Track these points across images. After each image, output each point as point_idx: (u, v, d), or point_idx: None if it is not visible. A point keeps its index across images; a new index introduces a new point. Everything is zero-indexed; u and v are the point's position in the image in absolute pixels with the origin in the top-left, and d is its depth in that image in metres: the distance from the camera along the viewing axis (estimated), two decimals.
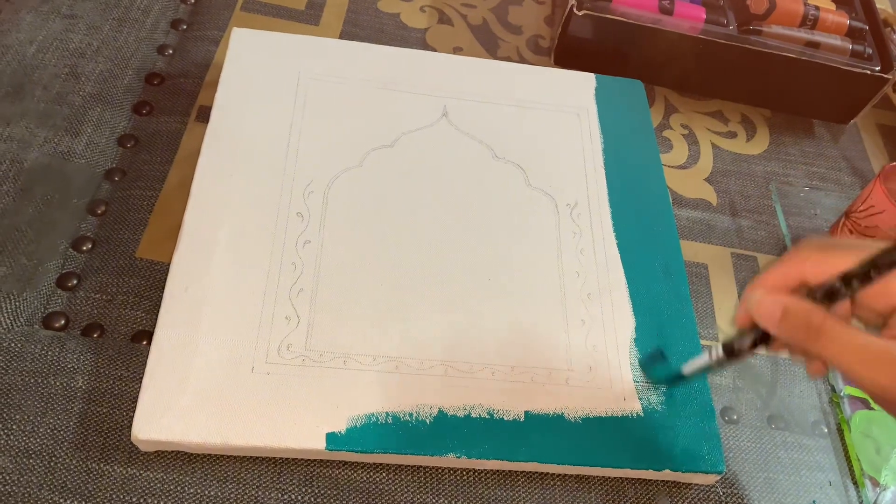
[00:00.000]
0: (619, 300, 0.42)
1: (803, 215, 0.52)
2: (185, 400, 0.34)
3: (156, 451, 0.35)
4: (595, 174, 0.47)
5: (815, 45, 0.55)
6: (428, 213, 0.43)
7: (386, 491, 0.36)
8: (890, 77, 0.54)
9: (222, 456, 0.35)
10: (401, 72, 0.49)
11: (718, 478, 0.39)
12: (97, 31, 0.50)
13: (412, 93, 0.48)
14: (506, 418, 0.37)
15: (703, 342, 0.37)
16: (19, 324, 0.38)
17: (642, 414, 0.38)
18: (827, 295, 0.28)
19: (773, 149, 0.56)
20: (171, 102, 0.48)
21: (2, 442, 0.34)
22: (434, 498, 0.36)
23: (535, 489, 0.37)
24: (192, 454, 0.35)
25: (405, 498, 0.36)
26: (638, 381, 0.39)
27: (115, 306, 0.39)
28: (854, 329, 0.28)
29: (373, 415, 0.36)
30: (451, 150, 0.46)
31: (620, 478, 0.38)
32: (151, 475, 0.34)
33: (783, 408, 0.43)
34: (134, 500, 0.34)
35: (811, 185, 0.55)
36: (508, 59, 0.57)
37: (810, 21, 0.56)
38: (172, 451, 0.35)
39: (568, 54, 0.56)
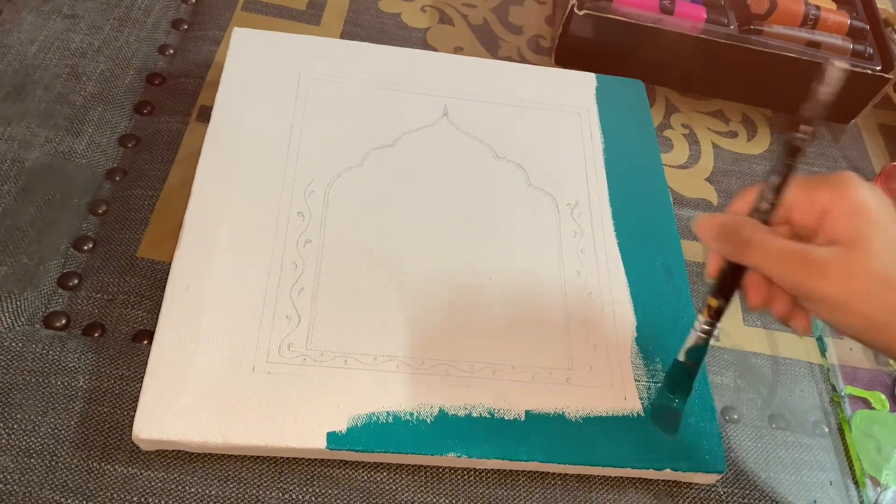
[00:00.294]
0: (619, 299, 0.42)
1: None
2: (186, 399, 0.35)
3: (157, 451, 0.35)
4: (596, 174, 0.47)
5: (815, 44, 0.55)
6: (429, 212, 0.43)
7: (386, 490, 0.36)
8: (891, 77, 0.54)
9: (223, 455, 0.35)
10: (401, 71, 0.49)
11: (719, 477, 0.39)
12: (98, 31, 0.50)
13: (413, 92, 0.48)
14: (506, 417, 0.37)
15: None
16: (20, 323, 0.38)
17: (643, 413, 0.38)
18: (757, 201, 0.31)
19: (774, 149, 0.56)
20: (172, 102, 0.48)
21: (3, 441, 0.34)
22: (434, 497, 0.36)
23: (536, 488, 0.37)
24: (193, 453, 0.35)
25: (406, 497, 0.36)
26: (639, 381, 0.39)
27: (116, 306, 0.39)
28: (776, 237, 0.30)
29: (373, 414, 0.36)
30: (452, 150, 0.46)
31: (621, 477, 0.38)
32: (152, 474, 0.34)
33: (784, 407, 0.43)
34: (135, 499, 0.34)
35: None
36: (509, 58, 0.57)
37: (811, 21, 0.56)
38: (173, 451, 0.35)
39: (569, 54, 0.56)
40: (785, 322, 0.33)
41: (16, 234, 0.40)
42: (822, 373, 0.45)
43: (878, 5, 0.59)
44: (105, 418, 0.36)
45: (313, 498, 0.35)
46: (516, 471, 0.38)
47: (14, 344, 0.37)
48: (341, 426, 0.35)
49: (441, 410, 0.37)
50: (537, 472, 0.38)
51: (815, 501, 0.40)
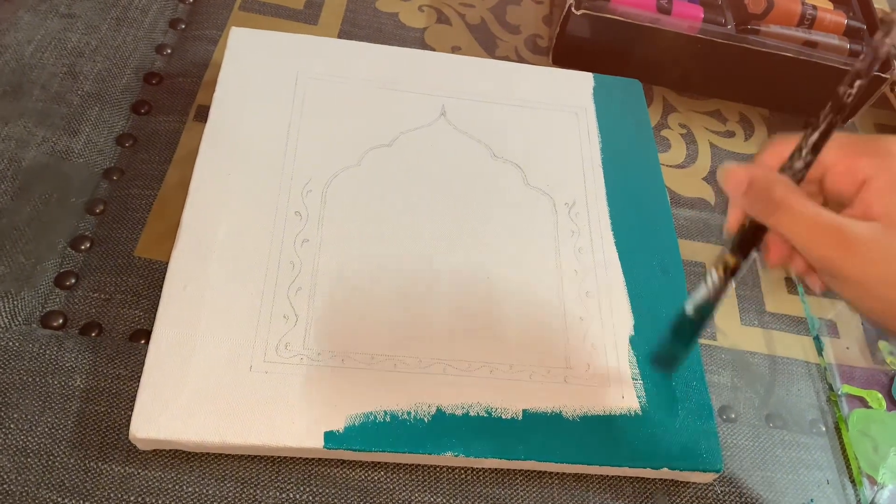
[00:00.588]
0: (617, 299, 0.42)
1: None
2: (184, 399, 0.34)
3: (154, 450, 0.35)
4: (593, 173, 0.47)
5: (812, 44, 0.55)
6: (426, 212, 0.43)
7: (384, 489, 0.36)
8: (887, 77, 0.54)
9: (220, 455, 0.35)
10: (399, 71, 0.49)
11: (716, 476, 0.39)
12: (95, 31, 0.50)
13: (411, 92, 0.48)
14: (504, 416, 0.37)
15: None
16: (17, 323, 0.38)
17: (640, 412, 0.38)
18: (791, 158, 0.28)
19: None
20: (170, 102, 0.48)
21: (0, 441, 0.34)
22: (432, 496, 0.36)
23: (534, 487, 0.37)
24: (190, 453, 0.35)
25: (403, 496, 0.36)
26: (636, 380, 0.40)
27: (114, 305, 0.39)
28: (810, 203, 0.28)
29: (371, 413, 0.36)
30: (450, 150, 0.46)
31: (618, 476, 0.38)
32: (149, 474, 0.34)
33: (781, 406, 0.44)
34: (132, 498, 0.34)
35: None
36: (507, 58, 0.57)
37: (808, 20, 0.56)
38: (171, 450, 0.35)
39: (566, 54, 0.56)
40: (801, 280, 0.31)
41: (13, 234, 0.40)
42: (819, 372, 0.46)
43: (875, 5, 0.59)
44: (102, 418, 0.36)
45: (311, 497, 0.35)
46: (514, 470, 0.38)
47: (11, 343, 0.37)
48: (339, 425, 0.35)
49: (438, 410, 0.37)
50: (535, 471, 0.38)
51: (812, 500, 0.40)
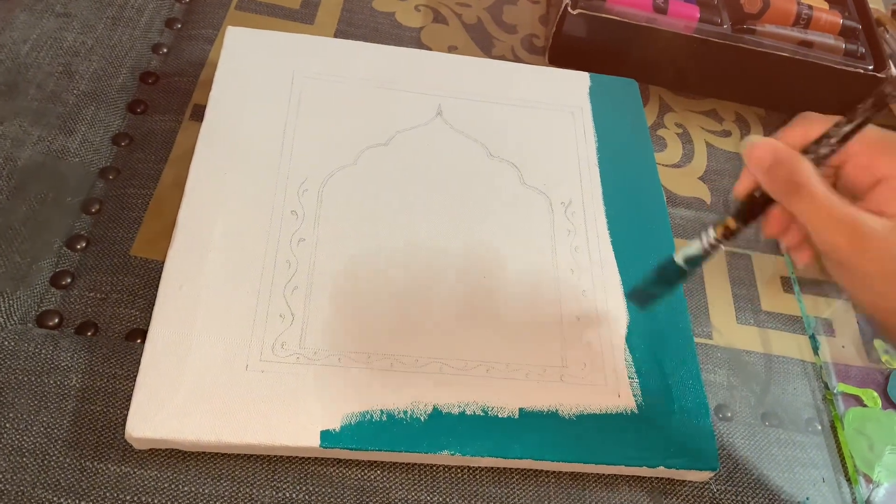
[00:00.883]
0: (613, 298, 0.42)
1: None
2: (180, 398, 0.34)
3: (150, 450, 0.35)
4: (589, 173, 0.47)
5: (808, 44, 0.55)
6: (422, 211, 0.43)
7: (380, 488, 0.36)
8: (883, 76, 0.54)
9: (217, 454, 0.35)
10: (396, 70, 0.49)
11: (712, 475, 0.39)
12: (91, 30, 0.50)
13: (407, 91, 0.48)
14: (500, 415, 0.37)
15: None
16: (13, 322, 0.38)
17: (637, 411, 0.39)
18: (818, 143, 0.29)
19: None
20: (166, 101, 0.48)
21: None
22: (428, 495, 0.36)
23: (530, 486, 0.37)
24: (186, 452, 0.35)
25: (399, 495, 0.36)
26: (633, 379, 0.40)
27: (110, 304, 0.39)
28: (829, 191, 0.28)
29: (367, 412, 0.36)
30: (446, 149, 0.46)
31: (614, 475, 0.38)
32: (145, 473, 0.34)
33: (777, 405, 0.44)
34: (128, 498, 0.34)
35: None
36: (503, 58, 0.57)
37: (804, 20, 0.56)
38: (167, 450, 0.35)
39: (562, 53, 0.56)
40: (789, 250, 0.32)
41: (8, 233, 0.40)
42: (815, 370, 0.46)
43: (871, 5, 0.59)
44: (98, 417, 0.36)
45: (307, 496, 0.35)
46: (510, 468, 0.38)
47: (6, 343, 0.37)
48: (335, 424, 0.35)
49: (435, 408, 0.37)
50: (531, 469, 0.38)
51: (807, 499, 0.40)
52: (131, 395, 0.34)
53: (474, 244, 0.43)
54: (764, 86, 0.57)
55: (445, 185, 0.45)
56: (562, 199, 0.46)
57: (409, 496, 0.36)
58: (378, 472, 0.37)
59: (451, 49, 0.56)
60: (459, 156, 0.46)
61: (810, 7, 0.56)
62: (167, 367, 0.35)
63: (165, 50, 0.50)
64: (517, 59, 0.57)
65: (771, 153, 0.29)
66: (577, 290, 0.42)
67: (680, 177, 0.53)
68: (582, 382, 0.39)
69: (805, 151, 0.29)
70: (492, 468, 0.38)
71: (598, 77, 0.52)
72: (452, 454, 0.36)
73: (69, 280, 0.39)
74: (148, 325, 0.36)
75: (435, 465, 0.37)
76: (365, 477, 0.36)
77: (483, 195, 0.45)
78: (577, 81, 0.52)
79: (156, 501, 0.34)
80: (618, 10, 0.53)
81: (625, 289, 0.43)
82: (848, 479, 0.42)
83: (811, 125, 0.30)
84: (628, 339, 0.41)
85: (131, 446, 0.35)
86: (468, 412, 0.37)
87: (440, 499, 0.36)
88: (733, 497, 0.40)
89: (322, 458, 0.36)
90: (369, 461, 0.37)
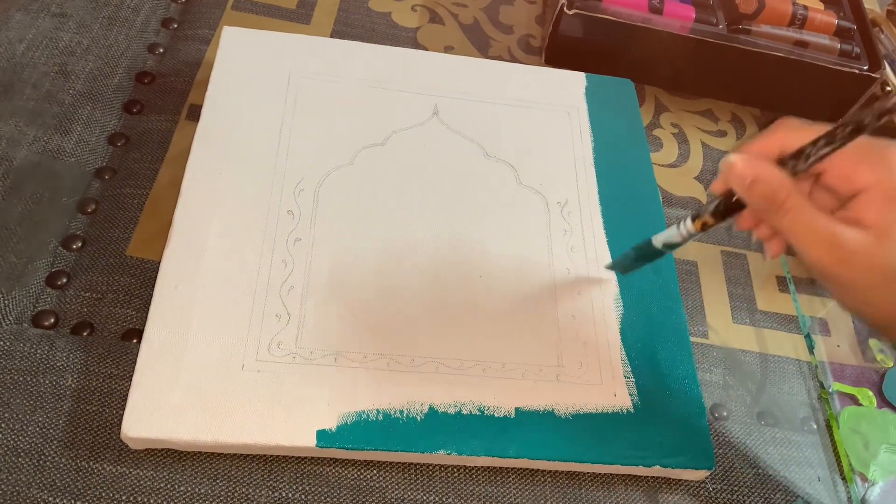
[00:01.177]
0: (609, 297, 0.42)
1: None
2: (175, 398, 0.34)
3: (146, 449, 0.35)
4: (585, 172, 0.48)
5: (803, 44, 0.55)
6: (419, 211, 0.43)
7: (377, 488, 0.36)
8: (878, 76, 0.54)
9: (213, 454, 0.35)
10: (392, 70, 0.49)
11: (708, 474, 0.39)
12: (87, 30, 0.50)
13: (403, 91, 0.48)
14: (496, 415, 0.37)
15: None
16: (8, 322, 0.37)
17: (632, 410, 0.39)
18: (795, 157, 0.30)
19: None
20: (162, 101, 0.48)
21: None
22: (424, 495, 0.36)
23: (526, 485, 0.37)
24: (182, 452, 0.35)
25: (396, 495, 0.36)
26: (628, 378, 0.40)
27: (105, 304, 0.39)
28: (812, 208, 0.29)
29: (363, 412, 0.36)
30: (443, 149, 0.46)
31: (610, 474, 0.39)
32: (141, 473, 0.34)
33: (773, 404, 0.44)
34: (124, 498, 0.34)
35: None
36: (500, 58, 0.57)
37: (799, 21, 0.56)
38: (163, 449, 0.35)
39: (558, 53, 0.56)
40: (758, 241, 0.33)
41: (4, 233, 0.40)
42: (811, 370, 0.46)
43: (865, 5, 0.59)
44: (94, 417, 0.36)
45: (303, 496, 0.35)
46: (506, 468, 0.38)
47: (2, 343, 0.37)
48: (331, 424, 0.35)
49: (431, 408, 0.37)
50: (527, 469, 0.38)
51: (803, 497, 0.41)
52: (127, 394, 0.34)
53: (471, 244, 0.43)
54: (759, 86, 0.57)
55: (442, 185, 0.45)
56: (558, 199, 0.46)
57: (406, 496, 0.36)
58: (374, 471, 0.37)
59: (448, 49, 0.56)
60: (456, 156, 0.46)
61: (805, 7, 0.56)
62: (163, 366, 0.35)
63: (162, 50, 0.50)
64: (514, 59, 0.57)
65: (751, 171, 0.30)
66: (573, 290, 0.42)
67: (676, 177, 0.53)
68: (578, 382, 0.39)
69: (782, 162, 0.30)
70: (488, 468, 0.38)
71: (594, 77, 0.53)
72: (449, 454, 0.36)
73: (65, 280, 0.39)
74: (144, 324, 0.36)
75: (431, 465, 0.37)
76: (361, 476, 0.36)
77: (479, 195, 0.45)
78: (574, 81, 0.52)
79: (152, 501, 0.34)
80: (614, 10, 0.53)
81: (620, 288, 0.43)
82: (843, 478, 0.42)
83: (789, 133, 0.30)
84: (624, 338, 0.41)
85: (127, 446, 0.35)
86: (464, 412, 0.37)
87: (436, 498, 0.36)
88: (729, 496, 0.40)
89: (318, 458, 0.36)
90: (366, 461, 0.37)
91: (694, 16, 0.54)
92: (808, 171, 0.30)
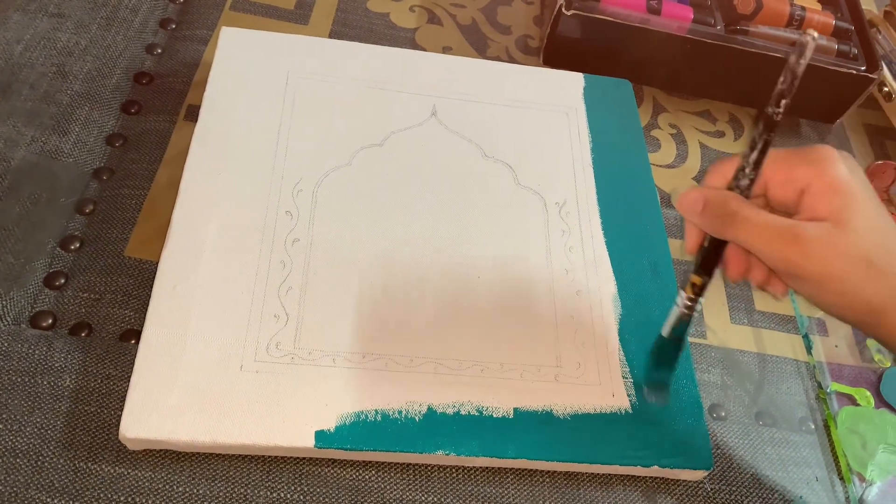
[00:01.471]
0: (607, 298, 0.42)
1: None
2: (174, 398, 0.34)
3: (144, 450, 0.35)
4: (583, 173, 0.48)
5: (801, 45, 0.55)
6: (417, 211, 0.43)
7: (375, 488, 0.36)
8: (875, 77, 0.55)
9: (211, 454, 0.35)
10: (390, 71, 0.49)
11: (706, 474, 0.39)
12: (85, 30, 0.49)
13: (401, 92, 0.48)
14: (495, 415, 0.37)
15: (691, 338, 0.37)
16: (6, 323, 0.37)
17: (631, 410, 0.39)
18: (736, 178, 0.31)
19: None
20: (160, 101, 0.48)
21: None
22: (423, 495, 0.36)
23: (524, 486, 0.38)
24: (180, 453, 0.35)
25: (394, 495, 0.36)
26: (627, 378, 0.40)
27: (104, 305, 0.39)
28: (763, 212, 0.30)
29: (362, 412, 0.36)
30: (441, 149, 0.46)
31: (609, 474, 0.39)
32: (140, 474, 0.34)
33: (771, 404, 0.44)
34: (122, 499, 0.34)
35: None
36: (498, 58, 0.57)
37: (796, 21, 0.56)
38: (161, 450, 0.35)
39: (557, 54, 0.56)
40: (762, 288, 0.33)
41: (2, 234, 0.40)
42: (809, 370, 0.46)
43: (863, 6, 0.59)
44: (92, 418, 0.35)
45: (302, 497, 0.35)
46: (505, 468, 0.38)
47: (0, 344, 0.37)
48: (329, 425, 0.35)
49: (429, 408, 0.37)
50: (526, 469, 0.38)
51: (801, 497, 0.41)
52: (125, 395, 0.34)
53: (469, 244, 0.43)
54: (757, 86, 0.57)
55: (440, 186, 0.45)
56: (556, 200, 0.46)
57: (404, 496, 0.36)
58: (373, 472, 0.37)
59: (446, 50, 0.56)
60: (454, 156, 0.46)
61: (803, 8, 0.56)
62: (161, 367, 0.35)
63: (160, 50, 0.50)
64: (512, 60, 0.57)
65: (700, 196, 0.31)
66: (571, 291, 0.42)
67: (674, 177, 0.53)
68: (576, 382, 0.39)
69: (728, 188, 0.31)
70: (486, 468, 0.38)
71: (592, 78, 0.53)
72: (447, 454, 0.36)
73: (63, 281, 0.39)
74: (142, 325, 0.36)
75: (430, 465, 0.37)
76: (360, 477, 0.36)
77: (478, 195, 0.45)
78: (572, 82, 0.52)
79: (150, 502, 0.34)
80: (611, 10, 0.53)
81: (619, 288, 0.43)
82: (841, 478, 0.42)
83: (726, 167, 0.31)
84: (622, 338, 0.41)
85: (125, 447, 0.35)
86: (463, 412, 0.37)
87: (435, 499, 0.36)
88: (727, 496, 0.40)
89: (317, 459, 0.36)
90: (364, 461, 0.37)
91: (692, 16, 0.54)
92: (752, 184, 0.31)
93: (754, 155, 0.30)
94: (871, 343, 0.47)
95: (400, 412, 0.36)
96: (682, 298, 0.34)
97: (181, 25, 0.52)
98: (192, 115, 0.47)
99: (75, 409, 0.36)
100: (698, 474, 0.39)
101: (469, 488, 0.37)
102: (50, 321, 0.38)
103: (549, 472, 0.38)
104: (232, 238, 0.40)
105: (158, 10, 0.52)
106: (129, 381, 0.35)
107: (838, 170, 0.30)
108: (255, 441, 0.34)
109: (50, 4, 0.50)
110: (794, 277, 0.30)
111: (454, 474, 0.37)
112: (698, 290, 0.33)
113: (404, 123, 0.47)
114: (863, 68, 0.55)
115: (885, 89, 0.59)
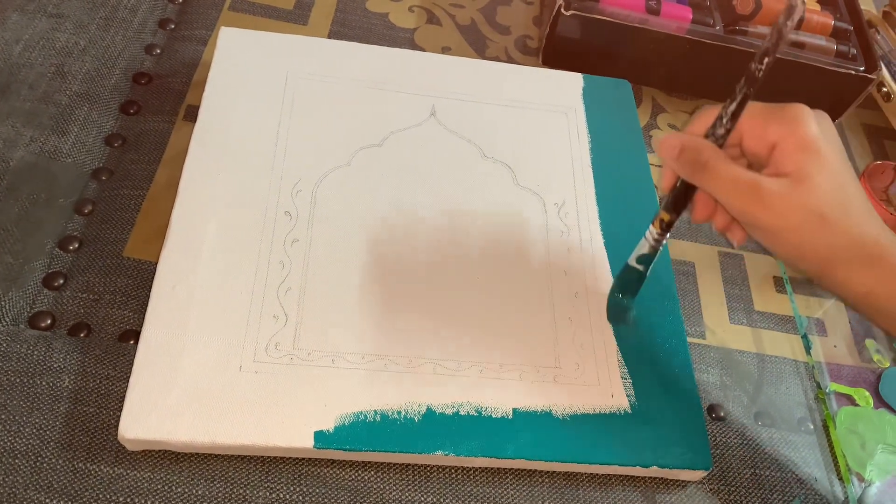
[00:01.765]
0: (606, 298, 0.42)
1: None
2: (173, 399, 0.34)
3: (143, 451, 0.35)
4: (583, 173, 0.48)
5: (800, 45, 0.55)
6: (416, 212, 0.43)
7: (374, 489, 0.36)
8: (874, 77, 0.55)
9: (210, 455, 0.35)
10: (389, 71, 0.49)
11: (705, 474, 0.39)
12: (84, 31, 0.49)
13: (401, 92, 0.48)
14: (494, 415, 0.37)
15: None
16: (5, 323, 0.37)
17: (630, 411, 0.39)
18: (713, 126, 0.32)
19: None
20: (159, 102, 0.48)
21: None
22: (422, 496, 0.36)
23: (523, 486, 0.37)
24: (179, 453, 0.35)
25: (393, 496, 0.36)
26: (626, 378, 0.40)
27: (102, 305, 0.39)
28: (732, 164, 0.32)
29: (361, 413, 0.36)
30: (440, 150, 0.46)
31: (608, 474, 0.39)
32: (139, 475, 0.34)
33: (770, 405, 0.44)
34: (121, 499, 0.34)
35: None
36: (497, 59, 0.57)
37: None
38: (160, 451, 0.35)
39: (556, 54, 0.56)
40: (723, 233, 0.35)
41: (0, 234, 0.40)
42: (808, 370, 0.46)
43: (862, 6, 0.59)
44: (91, 418, 0.35)
45: (301, 497, 0.35)
46: (504, 469, 0.38)
47: None
48: (329, 425, 0.35)
49: (429, 409, 0.37)
50: (525, 469, 0.38)
51: (800, 497, 0.41)
52: (124, 396, 0.34)
53: (468, 245, 0.43)
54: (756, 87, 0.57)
55: (439, 186, 0.45)
56: (555, 200, 0.46)
57: (403, 496, 0.36)
58: (372, 472, 0.37)
59: (445, 50, 0.56)
60: (453, 156, 0.46)
61: None
62: (160, 368, 0.35)
63: (159, 50, 0.50)
64: (511, 60, 0.57)
65: (677, 143, 0.33)
66: (570, 291, 0.42)
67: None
68: (575, 383, 0.39)
69: (706, 136, 0.33)
70: (485, 468, 0.38)
71: (591, 78, 0.53)
72: (446, 454, 0.36)
73: (62, 281, 0.39)
74: (141, 326, 0.36)
75: (429, 466, 0.37)
76: (359, 478, 0.36)
77: (477, 196, 0.45)
78: (571, 82, 0.52)
79: (149, 503, 0.34)
80: (610, 11, 0.53)
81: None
82: (840, 478, 0.42)
83: (709, 115, 0.33)
84: (621, 339, 0.41)
85: (124, 448, 0.35)
86: (462, 412, 0.37)
87: (434, 499, 0.36)
88: (726, 496, 0.40)
89: (316, 459, 0.36)
90: (363, 462, 0.37)
91: (691, 17, 0.54)
92: (727, 134, 0.32)
93: (732, 107, 0.31)
94: (870, 343, 0.47)
95: (399, 412, 0.36)
96: (651, 233, 0.36)
97: (180, 25, 0.52)
98: (192, 115, 0.47)
99: (74, 409, 0.36)
100: (697, 474, 0.39)
101: (468, 488, 0.37)
102: (49, 322, 0.38)
103: (548, 472, 0.38)
104: (231, 238, 0.40)
105: (157, 11, 0.52)
106: (127, 381, 0.35)
107: (809, 129, 0.31)
108: (254, 441, 0.34)
109: (49, 4, 0.50)
110: (752, 227, 0.32)
111: (453, 475, 0.37)
112: (666, 227, 0.36)
113: (403, 123, 0.47)
114: (861, 69, 0.55)
115: (884, 89, 0.59)
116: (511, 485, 0.37)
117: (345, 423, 0.35)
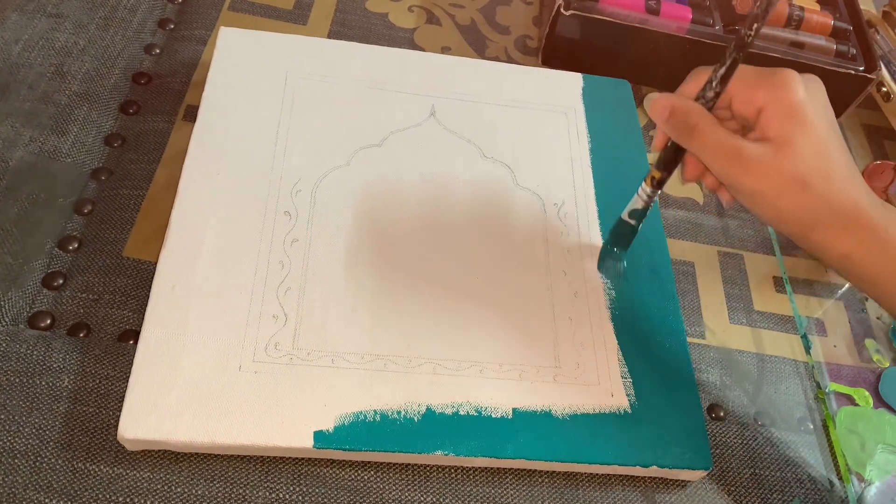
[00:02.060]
0: (605, 298, 0.42)
1: None
2: (172, 399, 0.34)
3: (142, 451, 0.35)
4: (582, 174, 0.48)
5: (799, 45, 0.55)
6: (415, 212, 0.43)
7: (374, 489, 0.36)
8: (874, 77, 0.55)
9: (210, 455, 0.35)
10: (389, 71, 0.49)
11: (705, 474, 0.39)
12: (83, 30, 0.49)
13: (400, 92, 0.48)
14: (494, 415, 0.37)
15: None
16: (4, 323, 0.37)
17: (630, 410, 0.39)
18: (703, 89, 0.33)
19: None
20: (159, 102, 0.48)
21: None
22: (422, 495, 0.36)
23: (523, 486, 0.37)
24: (179, 453, 0.35)
25: (393, 496, 0.36)
26: (625, 378, 0.40)
27: (102, 305, 0.39)
28: (718, 128, 0.33)
29: (360, 413, 0.36)
30: (439, 150, 0.46)
31: (608, 474, 0.39)
32: (138, 475, 0.34)
33: (769, 404, 0.44)
34: (120, 499, 0.34)
35: None
36: (496, 59, 0.57)
37: (795, 21, 0.56)
38: (159, 451, 0.35)
39: (555, 54, 0.56)
40: (712, 191, 0.37)
41: (0, 234, 0.40)
42: (807, 370, 0.46)
43: (861, 6, 0.59)
44: (90, 418, 0.35)
45: (300, 497, 0.35)
46: (504, 468, 0.38)
47: None
48: (328, 425, 0.35)
49: (428, 409, 0.37)
50: (525, 469, 0.38)
51: (800, 497, 0.41)
52: (124, 396, 0.34)
53: (468, 245, 0.43)
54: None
55: (438, 186, 0.45)
56: (555, 200, 0.46)
57: (403, 496, 0.36)
58: (372, 472, 0.36)
59: (445, 50, 0.56)
60: (453, 156, 0.46)
61: (801, 8, 0.56)
62: (160, 367, 0.35)
63: (158, 50, 0.50)
64: (510, 60, 0.57)
65: (668, 105, 0.34)
66: (569, 291, 0.42)
67: (672, 177, 0.53)
68: (575, 382, 0.39)
69: (696, 98, 0.34)
70: (485, 468, 0.38)
71: (590, 78, 0.53)
72: (446, 454, 0.36)
73: (61, 281, 0.39)
74: (140, 325, 0.36)
75: (428, 466, 0.37)
76: (358, 477, 0.36)
77: (476, 196, 0.45)
78: (570, 82, 0.52)
79: (148, 503, 0.34)
80: (610, 10, 0.53)
81: (617, 289, 0.43)
82: (840, 478, 0.42)
83: (702, 76, 0.34)
84: (621, 339, 0.41)
85: (124, 448, 0.35)
86: (461, 412, 0.37)
87: (433, 499, 0.36)
88: (726, 496, 0.40)
89: (316, 459, 0.36)
90: (363, 462, 0.37)
91: (690, 17, 0.54)
92: (717, 98, 0.33)
93: (722, 71, 0.32)
94: (870, 343, 0.47)
95: (399, 412, 0.36)
96: (644, 190, 0.38)
97: (180, 25, 0.52)
98: (191, 115, 0.47)
99: (74, 409, 0.36)
100: (697, 474, 0.39)
101: (468, 488, 0.37)
102: (48, 321, 0.38)
103: (547, 472, 0.38)
104: (230, 238, 0.40)
105: (157, 10, 0.52)
106: (127, 381, 0.35)
107: (795, 94, 0.32)
108: (253, 441, 0.34)
109: (48, 4, 0.50)
110: (735, 191, 0.33)
111: (453, 474, 0.37)
112: (657, 184, 0.37)
113: (403, 124, 0.47)
114: (861, 68, 0.55)
115: (884, 89, 0.59)
116: (511, 485, 0.37)
117: (344, 422, 0.35)
